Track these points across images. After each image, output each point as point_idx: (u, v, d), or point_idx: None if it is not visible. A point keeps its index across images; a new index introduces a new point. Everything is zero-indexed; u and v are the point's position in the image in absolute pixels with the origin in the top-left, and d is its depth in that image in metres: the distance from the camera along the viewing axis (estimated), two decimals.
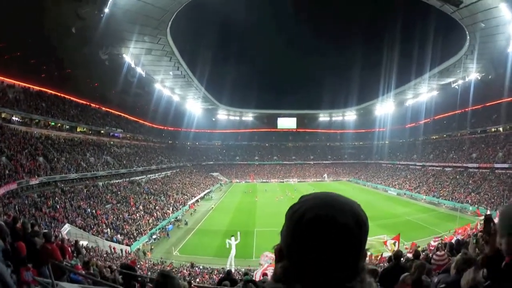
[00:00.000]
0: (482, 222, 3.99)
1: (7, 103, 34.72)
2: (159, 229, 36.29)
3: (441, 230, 31.73)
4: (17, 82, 38.77)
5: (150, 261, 26.29)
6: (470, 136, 64.41)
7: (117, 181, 44.84)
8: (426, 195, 54.39)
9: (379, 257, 22.18)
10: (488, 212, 26.29)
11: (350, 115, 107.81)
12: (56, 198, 30.45)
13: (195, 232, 36.88)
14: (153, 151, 70.79)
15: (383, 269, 5.62)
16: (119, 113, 65.37)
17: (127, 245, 28.78)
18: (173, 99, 70.00)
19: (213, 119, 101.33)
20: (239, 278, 11.63)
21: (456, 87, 58.59)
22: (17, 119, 36.25)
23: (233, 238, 25.98)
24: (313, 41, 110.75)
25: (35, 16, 30.82)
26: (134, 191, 44.75)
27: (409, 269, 4.33)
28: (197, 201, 55.54)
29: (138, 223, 34.66)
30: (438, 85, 63.81)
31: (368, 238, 0.71)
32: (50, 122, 41.74)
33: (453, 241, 12.54)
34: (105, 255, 22.78)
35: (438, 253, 6.29)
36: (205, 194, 62.24)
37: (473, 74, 52.75)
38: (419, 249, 16.98)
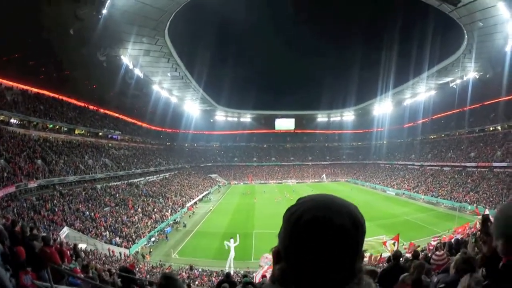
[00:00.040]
0: (480, 222, 3.97)
1: (5, 106, 34.64)
2: (157, 231, 36.20)
3: (440, 229, 31.78)
4: (15, 84, 38.69)
5: (149, 264, 26.22)
6: (468, 135, 64.64)
7: (115, 183, 44.73)
8: (424, 194, 54.49)
9: (378, 257, 22.18)
10: (487, 212, 26.32)
11: (348, 116, 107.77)
12: (55, 201, 30.39)
13: (194, 235, 36.79)
14: (151, 153, 70.63)
15: (382, 269, 5.62)
16: (117, 115, 65.24)
17: (126, 248, 28.70)
18: (171, 100, 69.83)
19: (211, 121, 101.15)
20: (238, 280, 11.63)
21: (454, 86, 58.72)
22: (15, 121, 36.11)
23: (232, 240, 25.83)
24: (310, 41, 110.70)
25: (33, 18, 30.86)
26: (132, 194, 44.65)
27: (408, 269, 4.33)
28: (195, 203, 55.40)
29: (136, 225, 34.58)
30: (436, 84, 63.90)
31: (367, 239, 0.72)
32: (48, 125, 41.66)
33: (452, 240, 12.54)
34: (104, 258, 22.72)
35: (437, 253, 6.28)
36: (203, 196, 62.09)
37: (471, 73, 52.86)
38: (419, 249, 17.01)
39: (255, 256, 26.67)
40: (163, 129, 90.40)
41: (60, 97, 47.56)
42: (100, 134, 54.35)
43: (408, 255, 12.76)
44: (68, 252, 9.43)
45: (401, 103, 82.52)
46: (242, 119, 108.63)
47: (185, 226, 40.20)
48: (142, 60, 46.22)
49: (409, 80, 65.73)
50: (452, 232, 26.62)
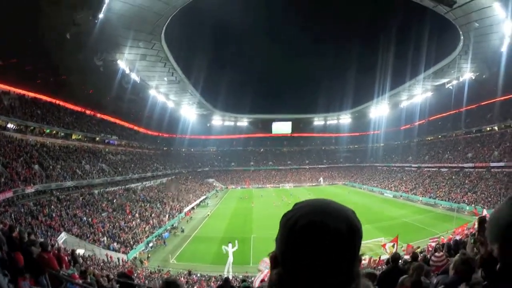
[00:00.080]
0: (477, 223, 3.99)
1: (2, 110, 34.53)
2: (155, 237, 36.05)
3: (439, 230, 31.69)
4: (12, 89, 38.57)
5: (147, 270, 26.07)
6: (465, 136, 64.90)
7: (112, 188, 44.54)
8: (422, 196, 54.51)
9: (377, 260, 22.16)
10: (485, 212, 26.43)
11: (345, 119, 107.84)
12: (52, 206, 30.17)
13: (191, 240, 36.64)
14: (148, 158, 70.42)
15: (381, 272, 5.63)
16: (114, 120, 64.92)
17: (123, 253, 28.55)
18: (167, 105, 69.48)
19: (208, 125, 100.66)
20: (237, 285, 11.59)
21: (451, 87, 59.11)
22: (12, 126, 35.93)
23: (230, 245, 25.74)
24: (307, 44, 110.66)
25: (30, 22, 30.80)
26: (130, 199, 44.45)
27: (408, 271, 4.33)
28: (193, 208, 55.20)
29: (134, 231, 34.39)
30: (433, 86, 64.23)
31: (366, 241, 0.72)
32: (45, 130, 41.44)
33: (451, 241, 12.57)
34: (102, 264, 22.60)
35: (436, 254, 6.30)
36: (201, 201, 61.89)
37: (467, 74, 53.25)
38: (418, 250, 17.04)
39: (254, 260, 26.53)
40: (160, 134, 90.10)
41: (57, 102, 47.39)
42: (97, 139, 54.11)
43: (407, 257, 12.77)
44: (66, 258, 9.38)
45: (397, 105, 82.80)
46: (239, 123, 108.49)
47: (183, 231, 40.04)
48: (138, 64, 46.17)
49: (405, 82, 65.90)
50: (451, 233, 26.63)
